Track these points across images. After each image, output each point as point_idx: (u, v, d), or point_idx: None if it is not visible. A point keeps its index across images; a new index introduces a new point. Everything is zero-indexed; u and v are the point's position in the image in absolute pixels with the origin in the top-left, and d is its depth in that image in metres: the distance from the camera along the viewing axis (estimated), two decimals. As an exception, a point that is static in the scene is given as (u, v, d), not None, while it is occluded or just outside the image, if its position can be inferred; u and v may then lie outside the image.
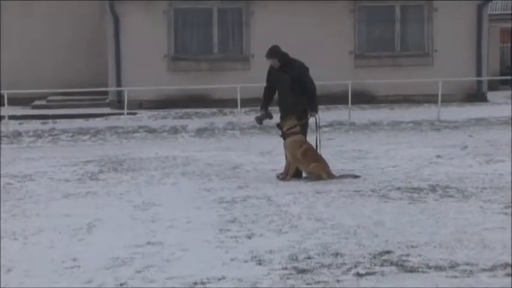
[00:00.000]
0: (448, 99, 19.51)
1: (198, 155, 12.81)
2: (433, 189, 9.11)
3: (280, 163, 10.49)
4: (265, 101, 10.23)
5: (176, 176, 10.71)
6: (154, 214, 8.11)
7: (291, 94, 9.95)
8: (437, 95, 18.01)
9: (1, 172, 11.42)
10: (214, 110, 20.11)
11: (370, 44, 21.57)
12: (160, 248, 6.62)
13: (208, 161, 11.98)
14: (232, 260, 6.19)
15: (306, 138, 10.06)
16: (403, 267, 5.87)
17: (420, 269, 5.79)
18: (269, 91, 10.24)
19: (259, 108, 10.43)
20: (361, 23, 21.51)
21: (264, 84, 10.26)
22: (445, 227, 7.14)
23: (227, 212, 8.12)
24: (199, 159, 12.24)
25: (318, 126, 10.13)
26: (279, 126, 10.09)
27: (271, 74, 10.14)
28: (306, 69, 10.05)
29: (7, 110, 17.92)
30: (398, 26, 21.58)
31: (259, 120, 10.35)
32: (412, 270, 5.79)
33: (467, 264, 5.88)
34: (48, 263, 6.26)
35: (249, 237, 6.95)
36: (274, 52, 10.07)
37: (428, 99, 19.97)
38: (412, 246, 6.43)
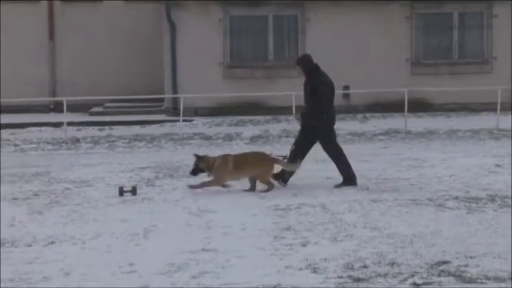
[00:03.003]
0: (507, 107, 19.15)
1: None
2: (491, 199, 8.96)
3: (335, 170, 10.42)
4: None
5: (231, 183, 10.73)
6: (209, 221, 8.15)
7: (305, 103, 10.18)
8: (496, 103, 17.70)
9: (60, 177, 11.61)
10: (269, 117, 20.11)
11: (427, 51, 21.34)
12: (215, 255, 6.64)
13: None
14: (287, 267, 6.17)
15: (331, 141, 10.10)
16: (461, 277, 5.77)
17: (479, 280, 5.69)
18: None
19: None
20: (418, 29, 21.30)
21: None
22: (504, 237, 7.01)
23: (282, 219, 8.10)
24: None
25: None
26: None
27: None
28: (323, 83, 9.96)
29: (66, 117, 18.23)
30: (456, 32, 21.30)
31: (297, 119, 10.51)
32: (470, 281, 5.69)
33: (527, 275, 5.76)
34: (106, 267, 6.33)
35: (304, 245, 6.92)
36: (299, 60, 10.35)
37: (487, 107, 19.63)
38: (471, 257, 6.33)
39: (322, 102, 9.94)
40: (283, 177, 10.16)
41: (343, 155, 10.15)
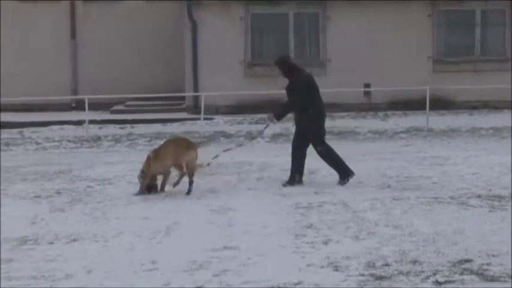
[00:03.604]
0: (529, 105, 19.03)
1: (274, 160, 12.82)
2: (514, 197, 8.89)
3: (355, 169, 10.38)
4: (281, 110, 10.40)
5: (252, 180, 10.75)
6: (230, 219, 8.16)
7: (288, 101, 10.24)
8: (518, 100, 17.58)
9: (81, 176, 11.68)
10: (290, 115, 20.06)
11: (449, 49, 21.23)
12: (236, 253, 6.64)
13: (283, 167, 11.94)
14: (308, 265, 6.16)
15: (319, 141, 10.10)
16: (484, 276, 5.74)
17: (502, 279, 5.66)
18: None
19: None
20: (439, 27, 21.19)
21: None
22: (527, 235, 6.95)
23: (303, 217, 8.09)
24: (275, 164, 12.24)
25: (260, 132, 10.12)
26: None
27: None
28: (300, 83, 9.97)
29: (87, 115, 18.32)
30: (478, 30, 21.17)
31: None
32: (493, 279, 5.65)
33: (551, 274, 5.71)
34: (128, 265, 6.36)
35: (326, 243, 6.91)
36: (277, 61, 10.29)
37: (509, 105, 19.51)
38: (493, 255, 6.29)
39: (306, 98, 9.94)
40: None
41: (335, 153, 10.09)
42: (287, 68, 10.18)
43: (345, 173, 10.05)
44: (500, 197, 8.88)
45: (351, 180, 10.08)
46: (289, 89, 10.17)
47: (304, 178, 10.38)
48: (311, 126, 10.08)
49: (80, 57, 23.20)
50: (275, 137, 16.65)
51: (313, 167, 11.73)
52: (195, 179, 9.79)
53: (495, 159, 12.12)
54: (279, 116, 10.25)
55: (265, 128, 10.90)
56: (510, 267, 5.92)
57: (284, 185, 10.07)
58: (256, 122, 19.44)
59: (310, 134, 10.13)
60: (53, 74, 22.69)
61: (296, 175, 10.15)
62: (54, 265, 6.43)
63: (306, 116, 10.03)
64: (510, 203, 8.54)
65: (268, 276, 5.85)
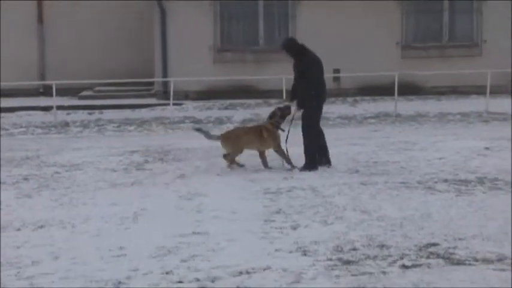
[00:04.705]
0: (497, 91, 19.22)
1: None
2: (481, 181, 8.99)
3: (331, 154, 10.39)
4: (292, 92, 10.34)
5: (221, 166, 10.73)
6: (199, 204, 8.14)
7: (296, 83, 10.15)
8: (485, 86, 17.75)
9: (49, 161, 11.59)
10: (260, 101, 20.10)
11: (418, 35, 21.34)
12: (205, 238, 6.64)
13: (253, 152, 11.97)
14: (277, 250, 6.18)
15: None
16: (450, 259, 5.80)
17: (467, 262, 5.72)
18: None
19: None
20: (408, 13, 21.29)
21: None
22: (493, 219, 7.03)
23: (272, 202, 8.11)
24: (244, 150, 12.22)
25: (291, 121, 10.17)
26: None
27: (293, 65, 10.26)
28: (312, 65, 9.95)
29: (55, 100, 18.16)
30: (446, 16, 21.30)
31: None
32: (459, 263, 5.71)
33: (515, 257, 5.78)
34: (95, 251, 6.33)
35: (294, 228, 6.93)
36: (284, 46, 10.23)
37: (477, 90, 19.71)
38: (460, 239, 6.35)
39: (311, 82, 9.93)
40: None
41: (317, 139, 10.08)
42: (295, 50, 10.10)
43: (309, 166, 9.99)
44: (466, 182, 8.97)
45: (319, 165, 10.10)
46: (297, 70, 10.04)
47: (273, 163, 10.38)
48: (311, 106, 10.03)
49: (47, 42, 22.96)
50: (244, 123, 16.64)
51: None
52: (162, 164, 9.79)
53: (462, 144, 12.23)
54: (301, 104, 10.05)
55: (292, 118, 10.50)
56: (476, 251, 5.98)
57: (300, 170, 9.94)
58: (226, 108, 19.42)
59: (306, 112, 10.08)
60: (20, 59, 22.43)
61: (315, 157, 10.05)
62: (21, 252, 6.38)
63: (309, 97, 9.98)
64: (477, 187, 8.64)
65: (237, 261, 5.86)
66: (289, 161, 10.17)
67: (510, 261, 5.71)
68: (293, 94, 10.27)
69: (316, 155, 10.09)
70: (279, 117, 10.33)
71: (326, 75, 10.35)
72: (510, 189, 8.45)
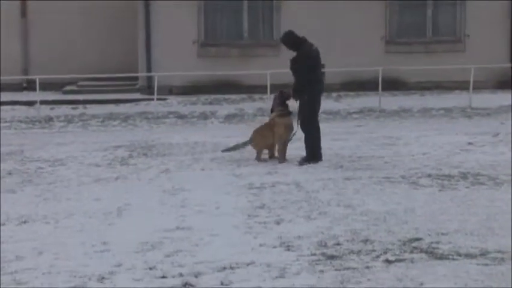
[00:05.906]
0: (480, 86, 19.29)
1: (228, 140, 12.80)
2: (464, 176, 9.04)
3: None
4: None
5: (205, 161, 10.73)
6: (183, 199, 8.14)
7: (293, 76, 10.24)
8: (469, 81, 17.81)
9: (33, 156, 11.53)
10: (244, 96, 20.09)
11: (402, 30, 21.37)
12: (189, 233, 6.64)
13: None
14: (261, 245, 6.19)
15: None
16: (433, 254, 5.83)
17: (450, 257, 5.75)
18: None
19: None
20: (392, 8, 21.32)
21: None
22: (476, 214, 7.08)
23: (256, 197, 8.12)
24: (228, 145, 12.23)
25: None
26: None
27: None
28: (305, 58, 9.98)
29: (38, 95, 18.07)
30: (430, 11, 21.35)
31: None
32: (442, 257, 5.75)
33: (498, 252, 5.82)
34: (79, 246, 6.32)
35: (278, 223, 6.94)
36: (282, 39, 10.36)
37: (460, 85, 19.75)
38: (443, 234, 6.39)
39: (302, 74, 9.96)
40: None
41: (315, 131, 10.13)
42: (291, 42, 10.14)
43: (310, 157, 10.04)
44: (450, 177, 9.02)
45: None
46: (294, 62, 10.08)
47: (259, 157, 10.39)
48: (309, 99, 10.04)
49: (30, 37, 22.81)
50: (229, 118, 16.64)
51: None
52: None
53: (445, 139, 12.28)
54: (301, 94, 10.12)
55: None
56: (459, 245, 6.02)
57: (301, 163, 10.00)
58: (210, 103, 19.40)
59: (302, 104, 10.09)
60: (3, 54, 22.24)
61: (315, 148, 10.10)
62: (4, 247, 6.36)
63: (302, 89, 9.98)
64: (460, 182, 8.69)
65: (221, 256, 5.87)
66: (282, 154, 10.26)
67: (493, 255, 5.74)
68: (300, 89, 10.18)
69: (317, 146, 10.11)
70: (278, 104, 10.36)
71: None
72: (493, 185, 8.50)
